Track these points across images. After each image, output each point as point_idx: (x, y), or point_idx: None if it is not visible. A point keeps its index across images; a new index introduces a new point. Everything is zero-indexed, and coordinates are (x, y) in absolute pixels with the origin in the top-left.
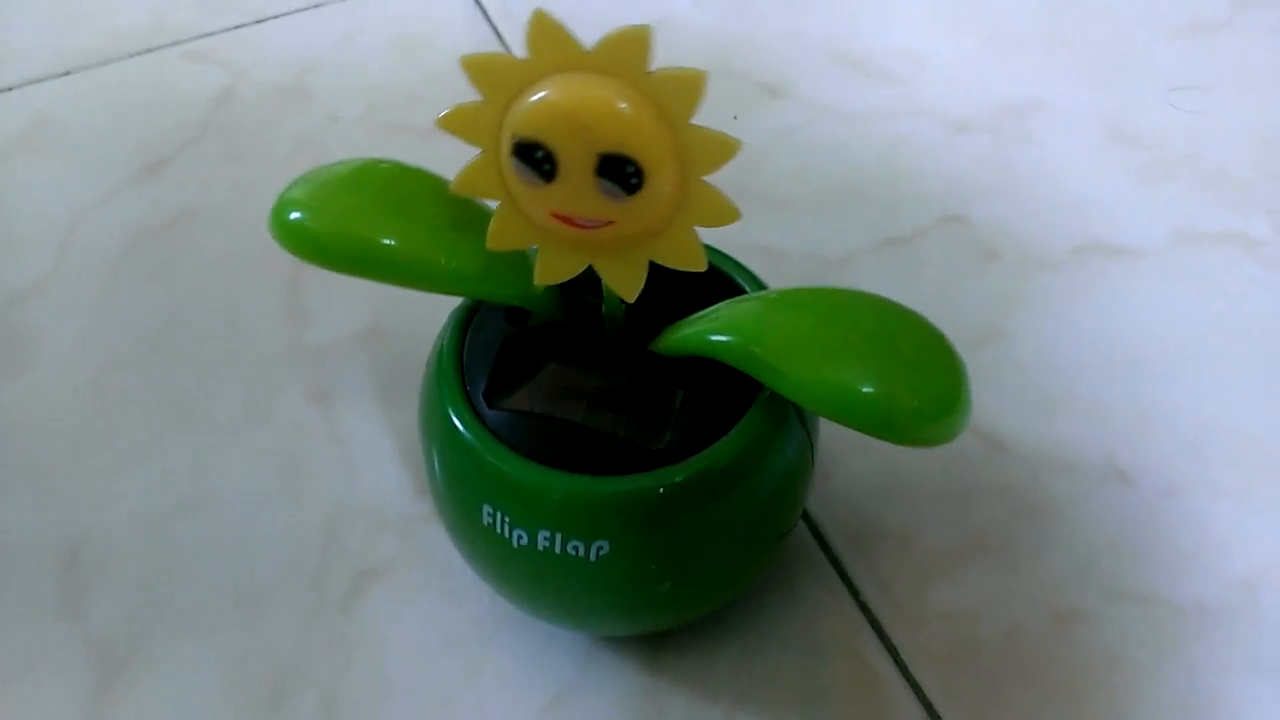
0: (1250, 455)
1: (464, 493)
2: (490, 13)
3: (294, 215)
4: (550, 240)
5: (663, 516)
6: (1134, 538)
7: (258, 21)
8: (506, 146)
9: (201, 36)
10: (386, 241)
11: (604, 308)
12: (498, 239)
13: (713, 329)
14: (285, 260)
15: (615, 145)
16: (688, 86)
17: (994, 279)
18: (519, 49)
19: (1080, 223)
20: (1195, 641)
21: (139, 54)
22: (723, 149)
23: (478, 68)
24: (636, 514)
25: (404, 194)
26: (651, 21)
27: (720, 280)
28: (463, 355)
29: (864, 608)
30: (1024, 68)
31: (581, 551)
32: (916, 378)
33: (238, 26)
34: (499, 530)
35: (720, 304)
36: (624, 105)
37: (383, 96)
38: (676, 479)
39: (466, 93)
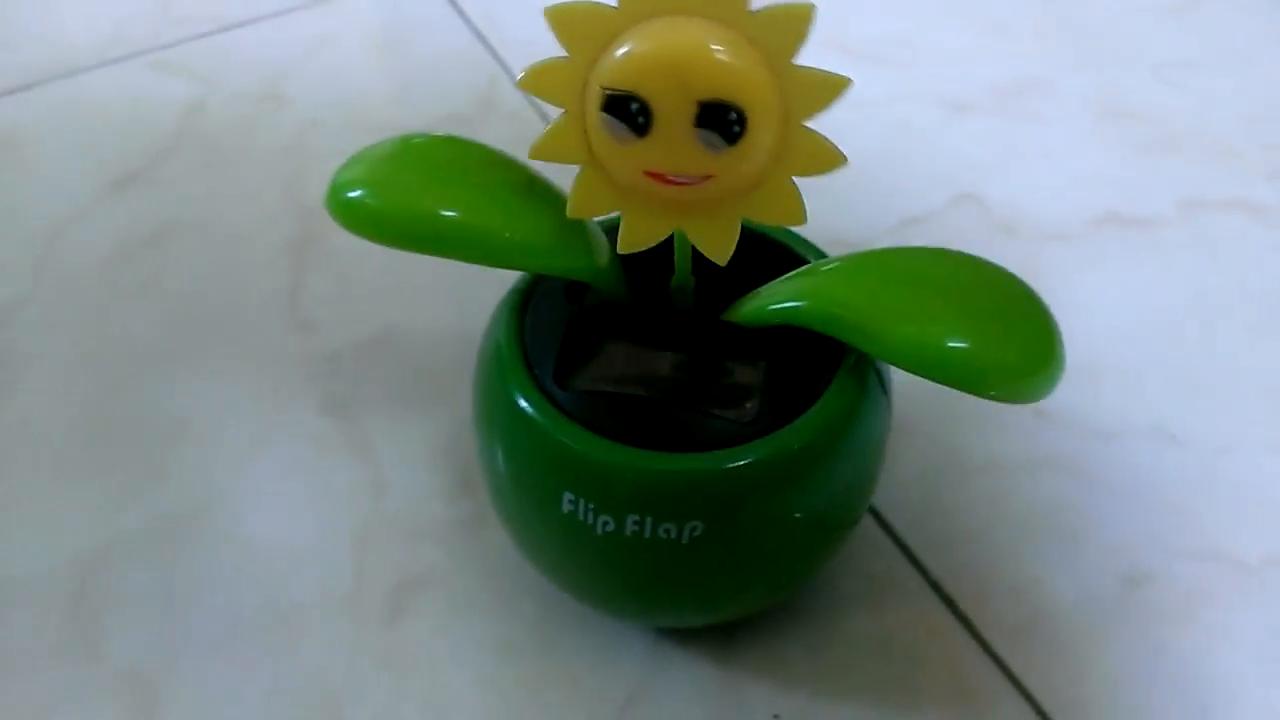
0: None
1: (540, 482)
2: (467, 12)
3: (353, 194)
4: (636, 203)
5: (760, 490)
6: (1191, 497)
7: (224, 30)
8: (596, 102)
9: (166, 47)
10: (449, 214)
11: (673, 280)
12: (581, 206)
13: (795, 294)
14: (284, 267)
15: (716, 92)
16: (793, 23)
17: (1013, 253)
18: (501, 47)
19: (1090, 196)
20: (1263, 594)
21: (101, 66)
22: (829, 88)
23: (564, 19)
24: (734, 490)
25: (461, 166)
26: None
27: (780, 251)
28: (524, 339)
29: (934, 585)
30: (1016, 49)
31: (674, 534)
32: (1010, 331)
33: (203, 35)
34: (582, 517)
35: (795, 271)
36: (724, 49)
37: (363, 100)
38: (773, 450)
39: (451, 92)
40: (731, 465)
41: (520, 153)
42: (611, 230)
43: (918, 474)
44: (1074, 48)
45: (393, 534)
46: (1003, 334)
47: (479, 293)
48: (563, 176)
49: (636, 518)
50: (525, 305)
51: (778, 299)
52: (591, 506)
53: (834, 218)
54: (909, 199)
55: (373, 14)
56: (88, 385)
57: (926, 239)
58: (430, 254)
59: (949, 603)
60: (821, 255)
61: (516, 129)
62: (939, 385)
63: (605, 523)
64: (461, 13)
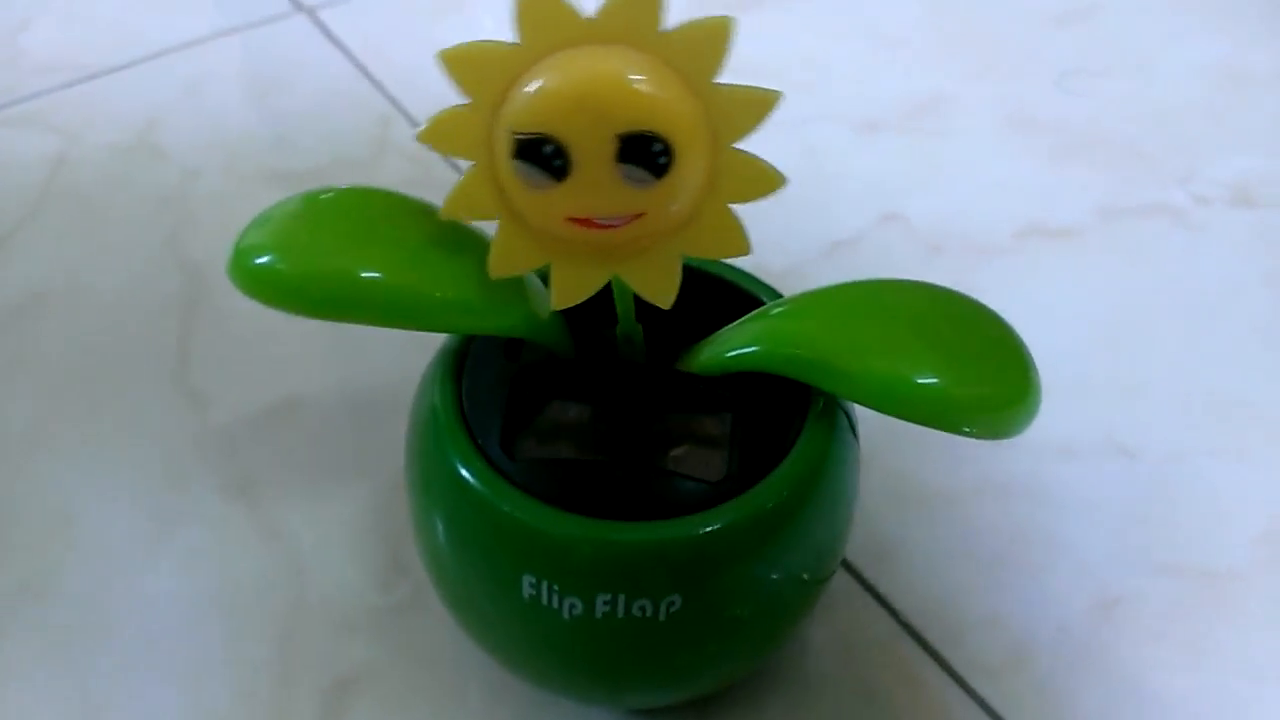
0: (1236, 413)
1: (495, 565)
2: (349, 47)
3: (260, 260)
4: (565, 254)
5: (740, 553)
6: (1150, 509)
7: (86, 79)
8: (505, 149)
9: (23, 100)
10: (369, 275)
11: (619, 329)
12: (502, 264)
13: (756, 338)
14: (170, 333)
15: (637, 123)
16: (712, 41)
17: (943, 271)
18: (390, 83)
19: (1010, 208)
20: (1234, 603)
21: None
22: (758, 105)
23: (460, 62)
24: (714, 557)
25: (378, 220)
26: None
27: (725, 288)
28: (463, 405)
29: (907, 627)
30: (917, 65)
31: (650, 611)
32: (983, 363)
33: (64, 86)
34: (545, 602)
35: (752, 313)
36: (640, 75)
37: (244, 146)
38: (751, 509)
39: (340, 134)
40: (708, 530)
41: (427, 196)
42: (548, 278)
43: (877, 510)
44: (974, 61)
45: (319, 628)
46: (976, 367)
47: (388, 352)
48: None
49: (608, 597)
50: (460, 367)
51: (737, 344)
52: (556, 589)
53: (760, 245)
54: (834, 222)
55: (247, 54)
56: None
57: (857, 261)
58: (352, 321)
59: (924, 645)
60: (770, 290)
61: (416, 170)
62: (890, 416)
63: (572, 605)
64: (343, 48)
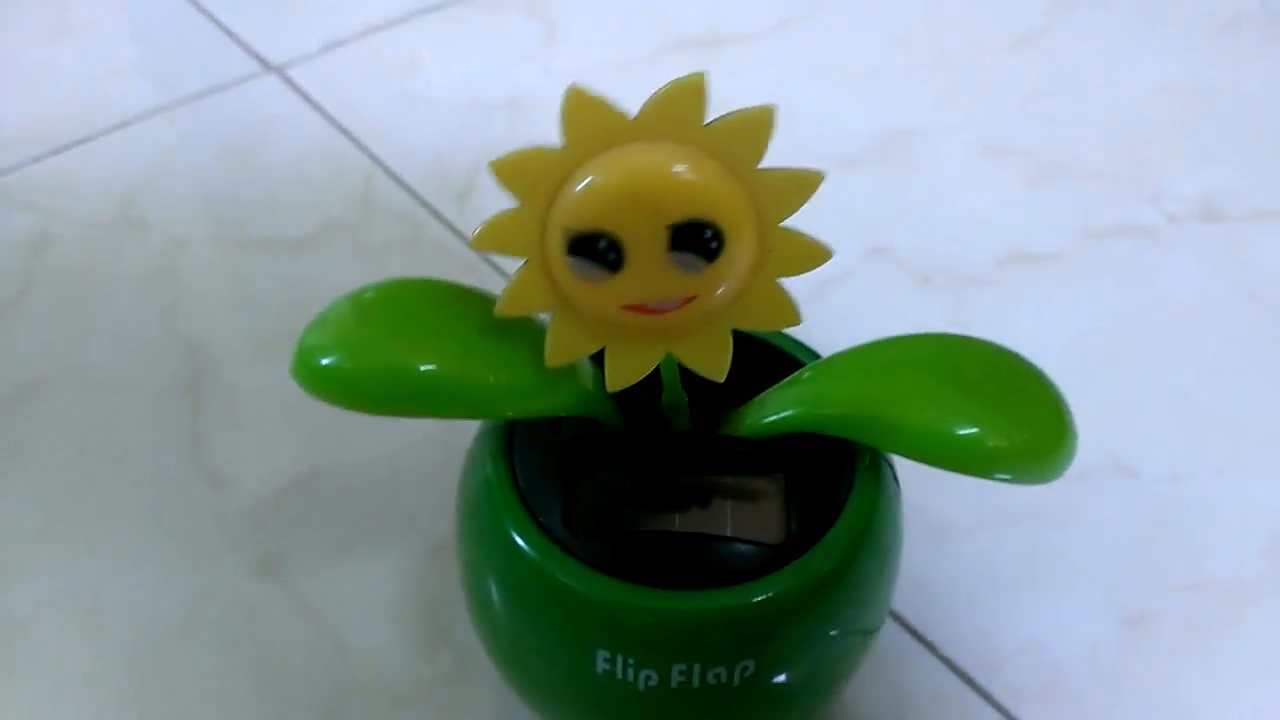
0: (1228, 426)
1: (567, 643)
2: (325, 107)
3: (325, 361)
4: (619, 338)
5: (809, 612)
6: (1159, 528)
7: (57, 152)
8: (559, 246)
9: None
10: (428, 368)
11: (664, 400)
12: (558, 353)
13: (803, 400)
14: (179, 413)
15: (688, 212)
16: (754, 130)
17: (935, 302)
18: (370, 140)
19: (992, 236)
20: (1252, 614)
21: None
22: (802, 186)
23: (511, 170)
24: (785, 618)
25: (426, 313)
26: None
27: (758, 347)
28: (518, 484)
29: (946, 661)
30: (884, 99)
31: (724, 678)
32: (1019, 411)
33: (34, 160)
34: (620, 675)
35: (793, 375)
36: (688, 167)
37: (231, 213)
38: (817, 569)
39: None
40: (780, 593)
41: (415, 253)
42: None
43: (906, 546)
44: (940, 91)
45: (368, 703)
46: (1013, 416)
47: (403, 423)
48: None
49: (683, 667)
50: (510, 443)
51: (782, 406)
52: (631, 662)
53: None
54: None
55: (222, 118)
56: None
57: (849, 298)
58: (413, 415)
59: (964, 677)
60: (807, 350)
61: (407, 228)
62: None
63: (648, 677)
64: (318, 108)
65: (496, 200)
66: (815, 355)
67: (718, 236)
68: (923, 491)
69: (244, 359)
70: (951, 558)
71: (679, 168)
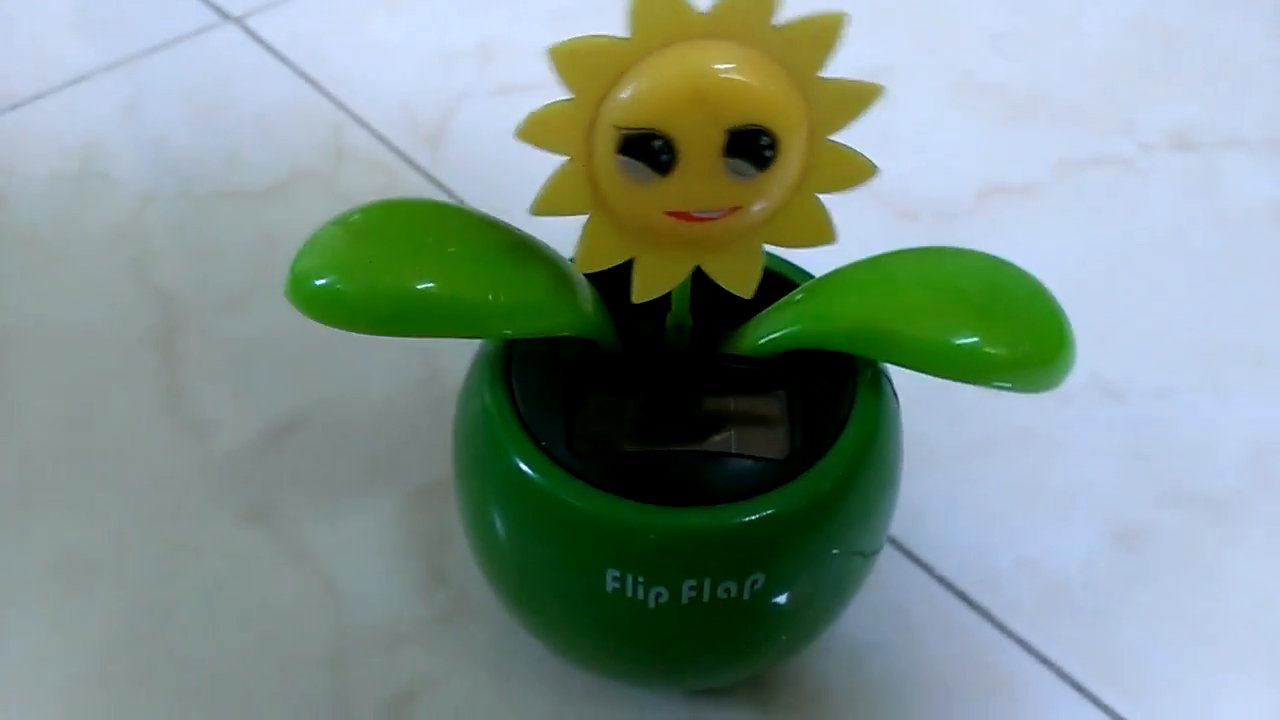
0: (1206, 347)
1: (576, 564)
2: (290, 57)
3: (319, 282)
4: (651, 246)
5: (815, 527)
6: (1148, 446)
7: (12, 108)
8: (610, 144)
9: None
10: (425, 286)
11: (670, 319)
12: (590, 259)
13: (804, 316)
14: (155, 366)
15: (748, 117)
16: (822, 36)
17: (917, 236)
18: (338, 89)
19: (969, 170)
20: (1238, 527)
21: None
22: (859, 98)
23: (568, 58)
24: (794, 531)
25: (422, 233)
26: None
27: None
28: (519, 409)
29: (944, 582)
30: (855, 40)
31: (735, 592)
32: (1019, 321)
33: None
34: (630, 594)
35: (791, 294)
36: (751, 71)
37: (198, 166)
38: (823, 482)
39: (295, 146)
40: (788, 506)
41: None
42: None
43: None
44: (910, 32)
45: (368, 646)
46: (1012, 325)
47: (382, 361)
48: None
49: (694, 583)
50: (508, 370)
51: (783, 324)
52: (641, 580)
53: None
54: None
55: (180, 70)
56: None
57: None
58: (412, 334)
59: (961, 595)
60: (797, 268)
61: (380, 176)
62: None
63: (658, 594)
64: (281, 56)
65: (468, 147)
66: (809, 276)
67: (773, 145)
68: (911, 417)
69: (218, 310)
70: (943, 481)
71: (743, 71)
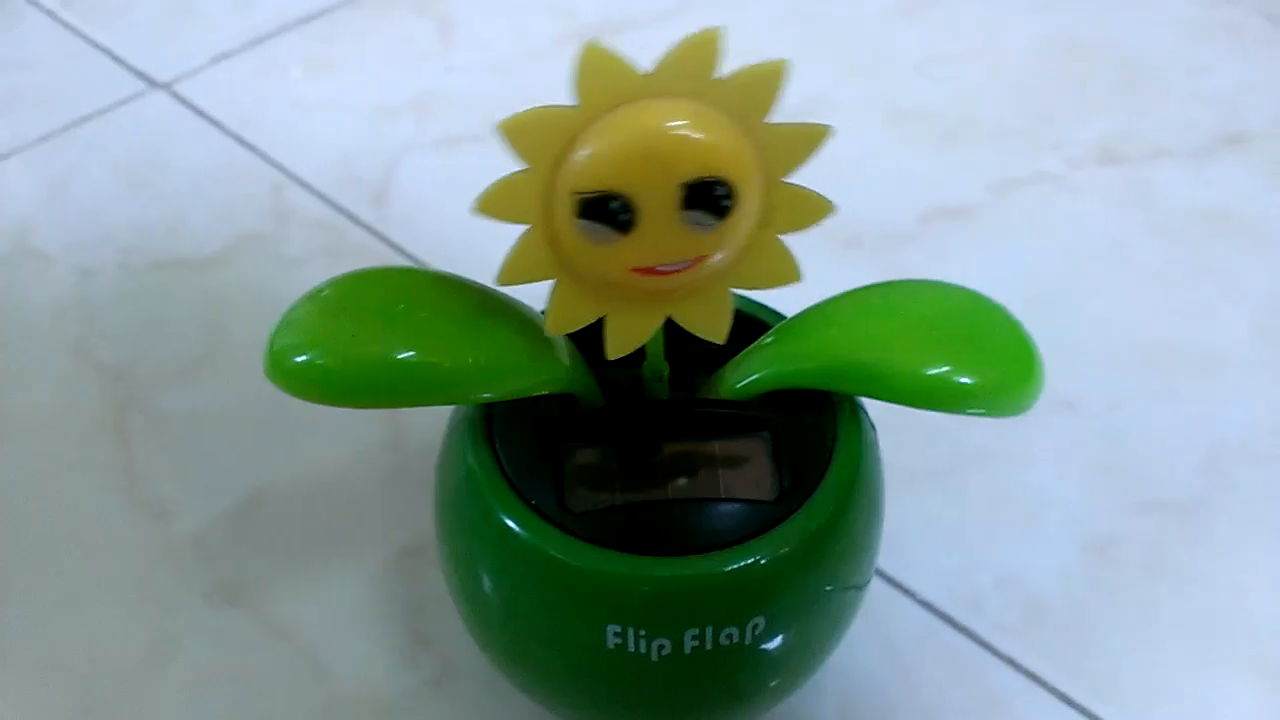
0: (1154, 354)
1: (574, 623)
2: (220, 119)
3: (299, 359)
4: (621, 303)
5: (812, 564)
6: (1108, 455)
7: None
8: (568, 209)
9: None
10: (405, 356)
11: (646, 369)
12: (560, 321)
13: (782, 356)
14: (107, 448)
15: (702, 170)
16: (765, 84)
17: (865, 262)
18: (271, 149)
19: (909, 195)
20: (1204, 528)
21: None
22: (808, 140)
23: (519, 131)
24: (792, 571)
25: (393, 302)
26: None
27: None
28: (504, 469)
29: (927, 605)
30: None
31: (737, 637)
32: (987, 348)
33: None
34: (632, 648)
35: (766, 335)
36: (701, 124)
37: (138, 237)
38: (817, 520)
39: (236, 210)
40: (786, 547)
41: (339, 259)
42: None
43: None
44: (841, 61)
45: (359, 718)
46: (981, 352)
47: (338, 429)
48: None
49: (696, 632)
50: (490, 430)
51: (761, 365)
52: (643, 634)
53: None
54: None
55: (112, 140)
56: None
57: None
58: (395, 405)
59: (948, 620)
60: (767, 309)
61: (327, 236)
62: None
63: (661, 646)
64: (214, 122)
65: (412, 201)
66: (780, 316)
67: (730, 194)
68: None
69: (168, 384)
70: (916, 505)
71: (693, 125)
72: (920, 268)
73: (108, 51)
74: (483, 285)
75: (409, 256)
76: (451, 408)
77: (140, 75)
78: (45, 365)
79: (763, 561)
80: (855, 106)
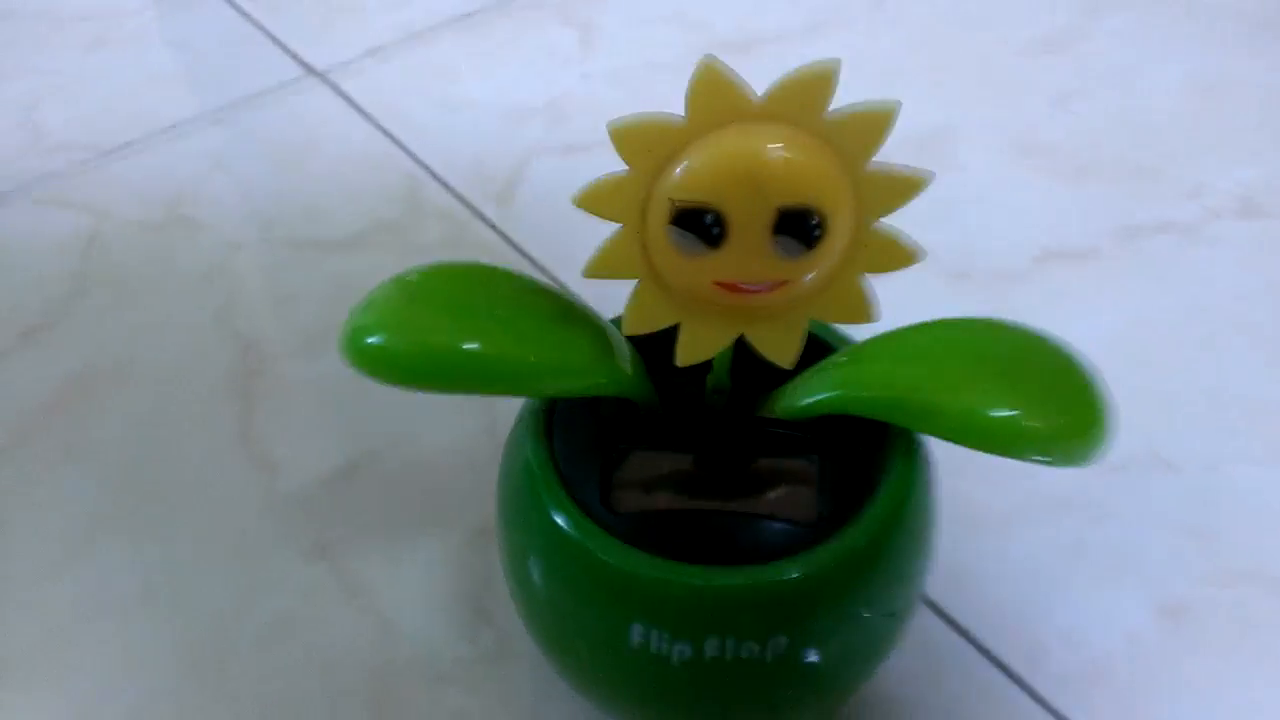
0: (1265, 420)
1: (602, 617)
2: (369, 111)
3: (372, 340)
4: (697, 314)
5: (840, 592)
6: (1201, 519)
7: (106, 155)
8: (663, 215)
9: (45, 179)
10: (471, 347)
11: (710, 381)
12: (638, 322)
13: (838, 382)
14: (230, 406)
15: (797, 198)
16: (873, 126)
17: (971, 299)
18: (414, 144)
19: (1029, 233)
20: None
21: None
22: (906, 187)
23: (628, 135)
24: (819, 595)
25: (471, 294)
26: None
27: None
28: (557, 463)
29: (982, 650)
30: (917, 101)
31: (757, 653)
32: (1054, 394)
33: (84, 163)
34: (655, 649)
35: (828, 358)
36: (803, 153)
37: (280, 215)
38: (851, 548)
39: (372, 198)
40: (813, 570)
41: (461, 252)
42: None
43: (944, 536)
44: (970, 92)
45: (413, 682)
46: (1049, 398)
47: (443, 412)
48: (585, 285)
49: (716, 641)
50: (550, 425)
51: (819, 389)
52: (665, 636)
53: None
54: None
55: (267, 121)
56: (14, 574)
57: (886, 294)
58: (458, 391)
59: (1003, 668)
60: (835, 334)
61: (453, 229)
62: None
63: (681, 651)
64: (362, 111)
65: (534, 202)
66: (848, 341)
67: (821, 225)
68: (957, 479)
69: (294, 354)
70: (990, 548)
71: (795, 153)
72: (1028, 308)
73: (274, 38)
74: (557, 290)
75: (526, 255)
76: (523, 400)
77: (300, 62)
78: (184, 325)
79: (787, 582)
80: (983, 138)
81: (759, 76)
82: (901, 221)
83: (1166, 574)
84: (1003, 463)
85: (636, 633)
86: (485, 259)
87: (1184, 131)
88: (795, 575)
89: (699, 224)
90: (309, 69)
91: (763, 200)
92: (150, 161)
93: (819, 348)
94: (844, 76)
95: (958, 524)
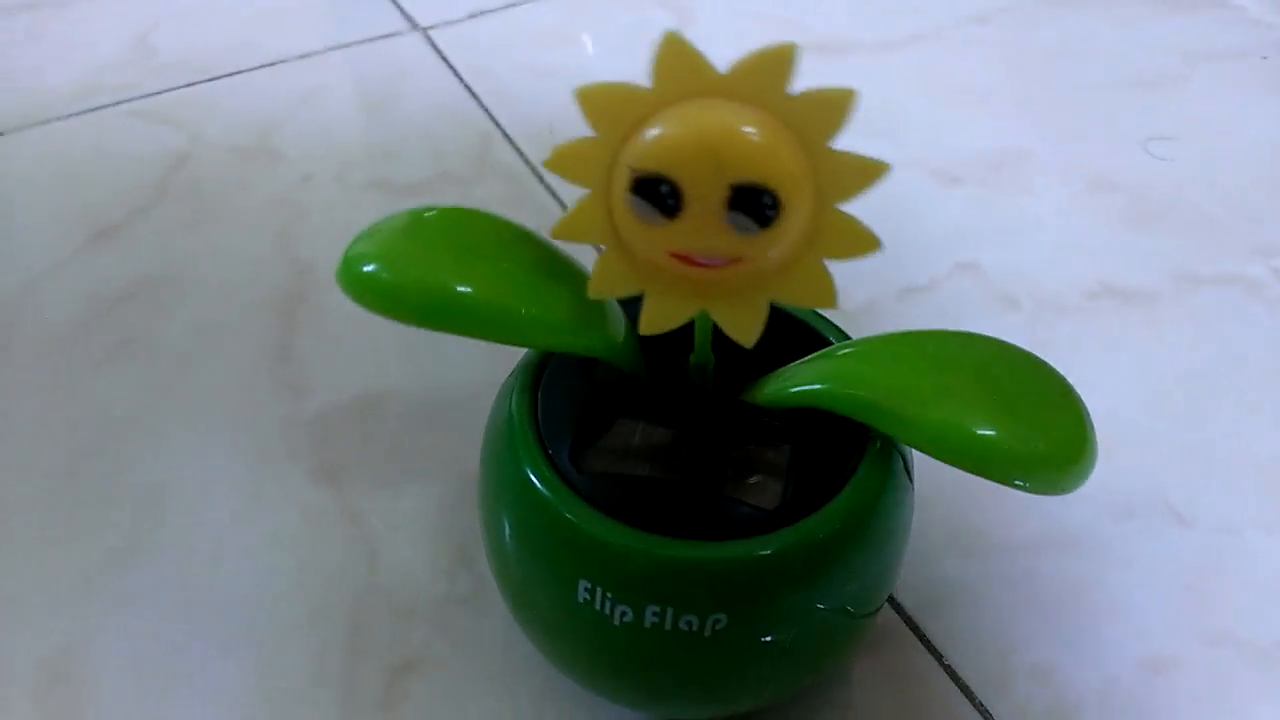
0: None
1: (554, 568)
2: (457, 67)
3: (367, 268)
4: (660, 284)
5: (789, 580)
6: (1202, 579)
7: (209, 80)
8: (623, 183)
9: (149, 95)
10: (463, 290)
11: (692, 358)
12: (602, 286)
13: (820, 376)
14: (272, 326)
15: (751, 175)
16: (833, 109)
17: (1015, 325)
18: (493, 104)
19: (1086, 268)
20: (1278, 679)
21: (79, 114)
22: (866, 173)
23: (594, 100)
24: (761, 581)
25: (475, 241)
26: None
27: (799, 328)
28: (537, 416)
29: (951, 673)
30: (999, 121)
31: (696, 626)
32: (1041, 419)
33: (188, 85)
34: (598, 607)
35: (818, 352)
36: (760, 131)
37: (355, 156)
38: (801, 539)
39: (444, 150)
40: (760, 555)
41: (515, 212)
42: (630, 304)
43: (933, 554)
44: (1055, 121)
45: (387, 611)
46: (1032, 423)
47: (471, 360)
48: (582, 253)
49: (656, 608)
50: (538, 380)
51: (801, 380)
52: (609, 596)
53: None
54: (907, 268)
55: (361, 67)
56: (61, 451)
57: (928, 308)
58: (443, 330)
59: (968, 693)
60: (841, 333)
61: (513, 189)
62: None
63: (623, 613)
64: (452, 68)
65: None
66: (846, 337)
67: (775, 205)
68: (966, 504)
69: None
70: (976, 573)
71: (752, 130)
72: (1071, 343)
73: None
74: (571, 258)
75: None
76: (521, 354)
77: (406, 16)
78: (247, 246)
79: (732, 561)
80: (1058, 166)
81: (849, 80)
82: (960, 237)
83: (1156, 627)
84: (1022, 496)
85: (583, 588)
86: (538, 220)
87: (1264, 192)
88: (740, 556)
89: (655, 193)
90: (413, 24)
91: (719, 175)
92: (250, 92)
93: (816, 341)
94: (929, 90)
95: (957, 547)
